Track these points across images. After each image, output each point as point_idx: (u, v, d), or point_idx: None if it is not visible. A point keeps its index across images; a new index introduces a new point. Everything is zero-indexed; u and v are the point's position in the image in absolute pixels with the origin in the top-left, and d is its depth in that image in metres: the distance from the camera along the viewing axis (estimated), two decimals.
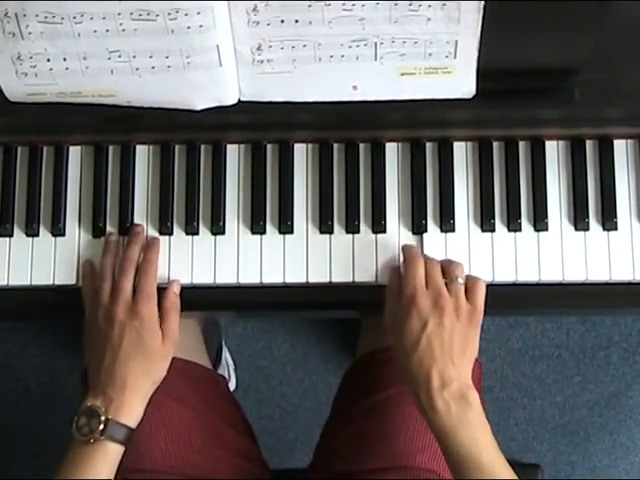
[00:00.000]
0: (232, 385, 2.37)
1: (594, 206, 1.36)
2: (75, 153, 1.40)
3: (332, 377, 2.38)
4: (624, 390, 2.43)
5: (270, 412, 2.44)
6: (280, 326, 2.44)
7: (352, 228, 1.36)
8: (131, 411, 1.27)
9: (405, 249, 1.33)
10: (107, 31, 1.16)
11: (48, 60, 1.20)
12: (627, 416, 2.44)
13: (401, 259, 1.34)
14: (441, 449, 1.25)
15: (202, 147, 1.39)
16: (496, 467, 1.22)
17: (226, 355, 2.35)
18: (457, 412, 1.22)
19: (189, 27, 1.15)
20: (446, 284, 1.28)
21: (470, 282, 1.29)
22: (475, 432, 1.22)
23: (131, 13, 1.14)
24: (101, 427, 1.23)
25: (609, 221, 1.35)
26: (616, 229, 1.36)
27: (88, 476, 1.23)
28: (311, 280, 1.36)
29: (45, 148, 1.40)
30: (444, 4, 1.14)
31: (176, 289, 1.34)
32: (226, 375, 2.31)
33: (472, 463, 1.21)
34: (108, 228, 1.38)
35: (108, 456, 1.24)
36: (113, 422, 1.24)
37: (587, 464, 2.44)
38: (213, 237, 1.37)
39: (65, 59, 1.20)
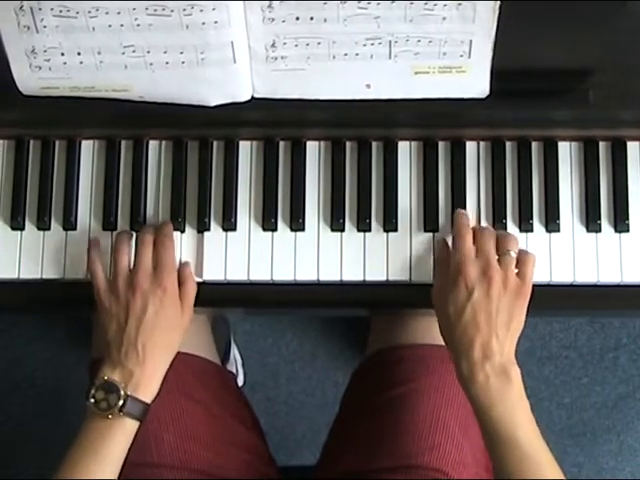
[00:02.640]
0: (240, 381, 2.37)
1: (606, 208, 1.36)
2: (87, 147, 1.40)
3: (340, 375, 2.38)
4: (632, 392, 2.43)
5: (277, 409, 2.44)
6: (288, 323, 2.44)
7: (363, 226, 1.36)
8: (149, 386, 1.27)
9: (456, 217, 1.32)
10: (122, 26, 1.16)
11: (62, 54, 1.20)
12: (634, 418, 2.44)
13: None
14: (479, 425, 1.24)
15: (215, 143, 1.39)
16: (534, 446, 1.21)
17: (234, 351, 2.35)
18: (496, 386, 1.21)
19: (204, 23, 1.15)
20: (498, 256, 1.27)
21: (521, 256, 1.28)
22: (513, 409, 1.21)
23: (146, 8, 1.14)
24: (120, 403, 1.23)
25: (621, 223, 1.35)
26: (628, 231, 1.35)
27: (109, 451, 1.23)
28: (322, 278, 1.36)
29: (57, 142, 1.40)
30: (460, 4, 1.14)
31: (189, 267, 1.34)
32: (234, 371, 2.31)
33: (509, 440, 1.20)
34: (119, 223, 1.38)
35: (125, 431, 1.25)
36: (132, 398, 1.24)
37: (593, 466, 2.44)
38: (224, 233, 1.36)
39: (79, 53, 1.20)
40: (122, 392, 1.24)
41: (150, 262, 1.30)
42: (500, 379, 1.21)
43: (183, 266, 1.34)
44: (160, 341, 1.28)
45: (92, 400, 1.24)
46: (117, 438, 1.24)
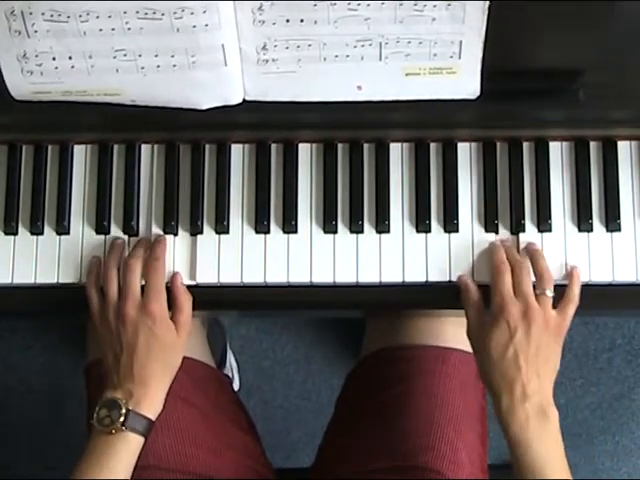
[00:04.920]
0: (236, 386, 2.37)
1: (598, 207, 1.37)
2: (80, 152, 1.40)
3: (335, 378, 2.38)
4: (627, 393, 2.43)
5: (273, 413, 2.44)
6: (283, 327, 2.44)
7: (356, 228, 1.36)
8: (151, 403, 1.27)
9: (494, 254, 1.33)
10: (113, 30, 1.16)
11: (54, 58, 1.20)
12: (629, 419, 2.44)
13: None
14: (512, 461, 1.25)
15: (207, 146, 1.39)
16: None
17: (230, 357, 2.36)
18: (535, 426, 1.22)
19: (195, 26, 1.16)
20: (535, 295, 1.28)
21: (567, 294, 1.30)
22: (549, 450, 1.23)
23: (137, 12, 1.14)
24: (122, 418, 1.24)
25: (612, 222, 1.35)
26: (619, 230, 1.36)
27: (111, 466, 1.24)
28: (315, 280, 1.36)
29: (50, 147, 1.40)
30: (449, 4, 1.14)
31: (180, 279, 1.34)
32: (230, 376, 2.31)
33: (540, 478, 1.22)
34: (112, 227, 1.38)
35: (130, 446, 1.25)
36: (134, 413, 1.25)
37: (589, 466, 2.44)
38: (217, 236, 1.37)
39: (71, 57, 1.20)
40: (124, 408, 1.24)
41: (137, 288, 1.30)
42: (539, 419, 1.23)
43: (174, 281, 1.34)
44: (156, 366, 1.29)
45: (96, 417, 1.25)
46: (122, 454, 1.25)
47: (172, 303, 1.32)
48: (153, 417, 1.28)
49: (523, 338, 1.25)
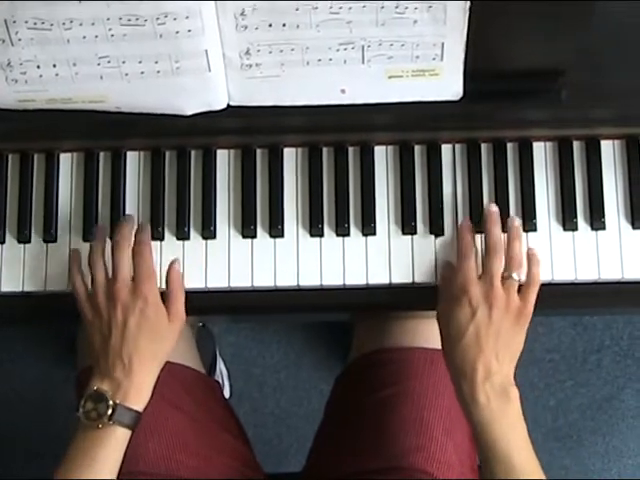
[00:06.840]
0: (226, 393, 2.37)
1: (582, 206, 1.37)
2: (66, 160, 1.40)
3: (324, 384, 2.37)
4: (616, 393, 2.44)
5: (264, 419, 2.44)
6: (273, 334, 2.45)
7: (342, 231, 1.36)
8: (139, 395, 1.26)
9: (459, 239, 1.33)
10: (96, 37, 1.17)
11: (38, 66, 1.21)
12: (619, 419, 2.44)
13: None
14: (476, 443, 1.25)
15: (192, 152, 1.39)
16: (528, 469, 1.22)
17: (220, 365, 2.35)
18: (496, 407, 1.22)
19: (178, 32, 1.16)
20: (502, 277, 1.28)
21: (528, 279, 1.30)
22: (511, 430, 1.23)
23: (120, 18, 1.14)
24: (109, 412, 1.23)
25: (597, 221, 1.36)
26: (604, 229, 1.36)
27: (102, 461, 1.23)
28: (302, 283, 1.36)
29: (36, 155, 1.40)
30: (430, 6, 1.14)
31: (177, 266, 1.34)
32: (220, 383, 2.31)
33: (504, 462, 1.21)
34: None
35: (117, 441, 1.24)
36: (121, 407, 1.24)
37: (580, 468, 2.44)
38: (204, 242, 1.37)
39: (55, 65, 1.20)
40: (111, 401, 1.24)
41: (128, 271, 1.29)
42: (500, 399, 1.23)
43: (170, 271, 1.34)
44: (146, 351, 1.28)
45: (82, 410, 1.24)
46: (109, 447, 1.24)
47: (166, 293, 1.32)
48: (141, 409, 1.27)
49: (484, 319, 1.25)
